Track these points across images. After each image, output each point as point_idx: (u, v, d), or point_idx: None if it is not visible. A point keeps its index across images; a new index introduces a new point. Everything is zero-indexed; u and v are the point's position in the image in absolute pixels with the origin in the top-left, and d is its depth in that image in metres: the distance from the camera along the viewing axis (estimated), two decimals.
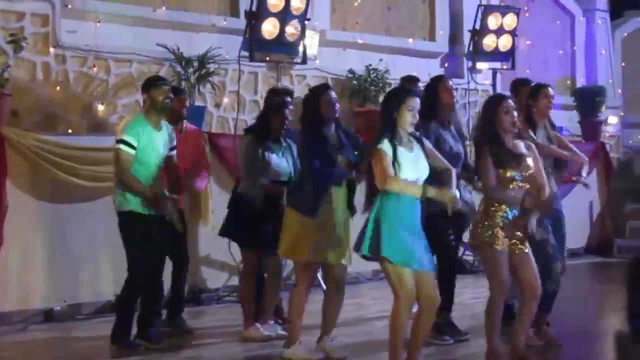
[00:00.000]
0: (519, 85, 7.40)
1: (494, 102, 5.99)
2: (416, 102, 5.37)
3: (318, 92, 6.28)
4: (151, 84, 6.49)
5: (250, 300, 6.90)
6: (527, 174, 5.80)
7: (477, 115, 7.43)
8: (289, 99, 6.98)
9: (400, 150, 5.28)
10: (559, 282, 6.45)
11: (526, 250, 5.85)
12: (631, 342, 3.30)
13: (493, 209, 5.79)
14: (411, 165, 5.30)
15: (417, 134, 5.49)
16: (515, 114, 5.89)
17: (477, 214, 5.94)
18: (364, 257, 5.39)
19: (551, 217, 6.40)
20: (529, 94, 6.78)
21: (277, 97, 7.01)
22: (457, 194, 5.30)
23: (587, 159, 7.04)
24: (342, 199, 6.12)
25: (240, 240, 6.98)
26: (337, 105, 6.25)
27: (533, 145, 6.03)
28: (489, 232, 5.77)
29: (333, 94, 6.24)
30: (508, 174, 5.77)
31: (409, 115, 5.32)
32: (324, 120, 6.15)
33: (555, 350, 6.45)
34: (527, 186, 5.81)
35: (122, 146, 6.28)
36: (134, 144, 6.28)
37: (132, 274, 6.44)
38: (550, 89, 6.75)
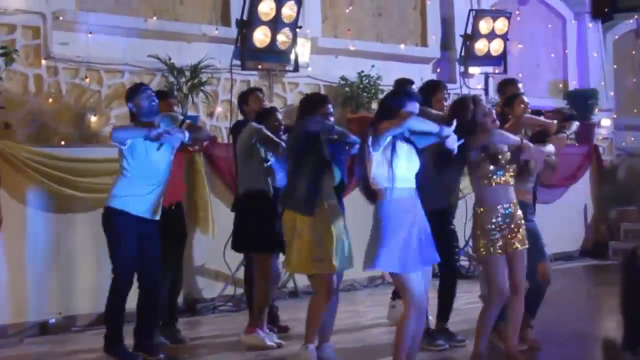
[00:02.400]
0: (506, 85, 7.34)
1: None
2: (416, 107, 5.34)
3: (315, 104, 6.19)
4: (134, 91, 6.46)
5: (265, 307, 6.83)
6: (508, 166, 5.80)
7: None
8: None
9: (398, 143, 5.22)
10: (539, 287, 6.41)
11: (520, 248, 5.85)
12: (619, 349, 3.30)
13: (481, 213, 5.79)
14: (406, 158, 5.24)
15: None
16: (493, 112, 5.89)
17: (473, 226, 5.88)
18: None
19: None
20: (505, 103, 6.72)
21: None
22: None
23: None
24: (339, 209, 6.10)
25: (258, 246, 6.81)
26: (332, 118, 6.20)
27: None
28: (484, 240, 5.77)
29: (330, 108, 6.18)
30: (491, 167, 5.76)
31: None
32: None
33: (543, 353, 6.44)
34: (509, 177, 5.80)
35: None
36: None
37: (114, 275, 6.39)
38: (524, 97, 6.65)
